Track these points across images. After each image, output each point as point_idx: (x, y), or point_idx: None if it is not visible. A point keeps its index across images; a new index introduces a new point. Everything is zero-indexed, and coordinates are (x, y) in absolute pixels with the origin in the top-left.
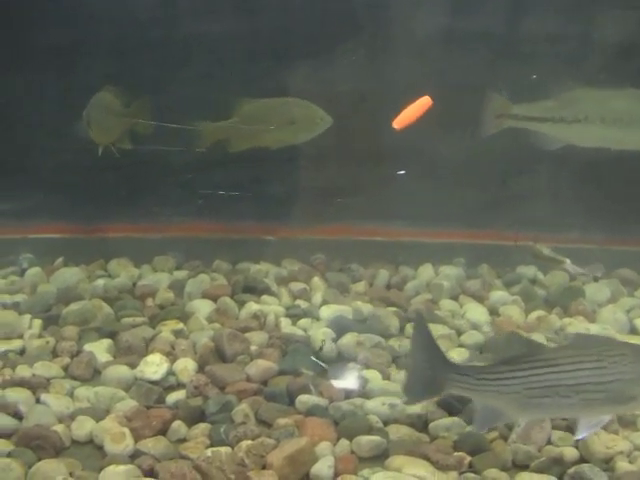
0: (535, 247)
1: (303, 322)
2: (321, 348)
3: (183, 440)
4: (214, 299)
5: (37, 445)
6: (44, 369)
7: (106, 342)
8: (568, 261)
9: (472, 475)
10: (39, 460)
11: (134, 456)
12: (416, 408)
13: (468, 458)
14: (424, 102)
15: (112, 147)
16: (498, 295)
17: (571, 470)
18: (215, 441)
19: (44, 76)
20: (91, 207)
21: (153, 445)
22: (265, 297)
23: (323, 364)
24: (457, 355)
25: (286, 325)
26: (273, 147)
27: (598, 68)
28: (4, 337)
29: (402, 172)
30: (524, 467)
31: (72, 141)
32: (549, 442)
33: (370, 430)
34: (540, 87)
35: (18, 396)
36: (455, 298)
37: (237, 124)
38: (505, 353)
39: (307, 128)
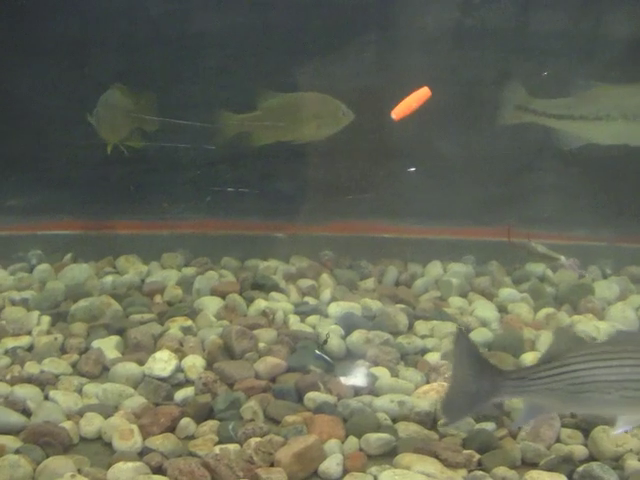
0: (529, 244)
1: (312, 319)
2: (325, 342)
3: (192, 437)
4: (223, 296)
5: (45, 442)
6: (52, 366)
7: (114, 339)
8: (563, 258)
9: (481, 473)
10: (47, 457)
11: (142, 453)
12: (424, 405)
13: (477, 456)
14: (423, 93)
15: (120, 145)
16: (507, 292)
17: (580, 468)
18: (223, 438)
19: (54, 72)
20: (100, 204)
21: (161, 442)
22: (274, 294)
23: (328, 358)
24: None
25: (294, 322)
26: (295, 142)
27: (610, 64)
28: (13, 333)
29: (412, 169)
30: (533, 465)
31: (82, 138)
32: (558, 440)
33: (379, 427)
34: (556, 84)
35: (26, 393)
36: (464, 295)
37: (260, 117)
38: (553, 349)
39: (330, 123)
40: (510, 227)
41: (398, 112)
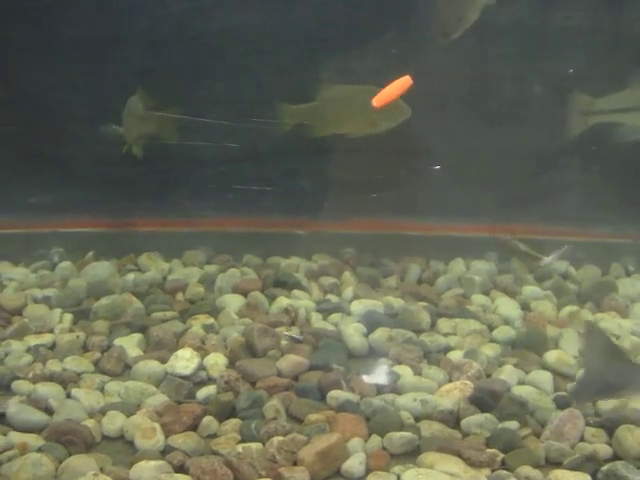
0: (512, 242)
1: (334, 317)
2: (293, 322)
3: (214, 436)
4: (244, 294)
5: (68, 440)
6: (74, 364)
7: (136, 337)
8: (545, 258)
9: (505, 472)
10: (70, 455)
11: (165, 452)
12: (447, 404)
13: (501, 455)
14: (404, 81)
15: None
16: (530, 290)
17: (605, 467)
18: (246, 437)
19: (76, 69)
20: (121, 201)
21: (184, 441)
22: (296, 292)
23: (296, 336)
24: (489, 351)
25: (317, 320)
26: (353, 135)
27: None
28: (35, 331)
29: (437, 167)
30: (557, 464)
31: (103, 135)
32: (582, 439)
33: (402, 426)
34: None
35: (49, 391)
36: (487, 293)
37: (318, 108)
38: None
39: (387, 117)
40: (495, 224)
41: (379, 100)
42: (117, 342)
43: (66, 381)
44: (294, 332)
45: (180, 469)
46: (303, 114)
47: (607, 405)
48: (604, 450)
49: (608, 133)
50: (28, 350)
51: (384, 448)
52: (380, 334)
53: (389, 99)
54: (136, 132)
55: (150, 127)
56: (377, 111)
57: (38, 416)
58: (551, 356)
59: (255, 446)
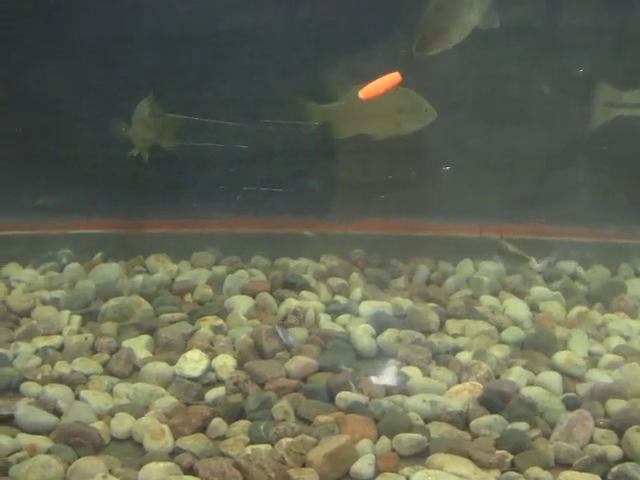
0: (501, 243)
1: (342, 318)
2: (285, 318)
3: (223, 437)
4: (253, 295)
5: (76, 442)
6: (83, 365)
7: (145, 338)
8: (533, 260)
9: (514, 474)
10: (78, 457)
11: (174, 453)
12: (457, 405)
13: (510, 456)
14: (393, 77)
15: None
16: (539, 291)
17: (614, 469)
18: (255, 438)
19: (84, 69)
20: (130, 203)
21: (193, 442)
22: (304, 293)
23: (289, 338)
24: (498, 352)
25: (325, 321)
26: (377, 136)
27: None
28: (43, 333)
29: (447, 168)
30: (567, 466)
31: (111, 136)
32: (592, 440)
33: (411, 428)
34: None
35: (57, 392)
36: (495, 294)
37: (343, 108)
38: None
39: (413, 119)
40: (482, 224)
41: (366, 92)
42: (125, 344)
43: (75, 383)
44: (294, 335)
45: (189, 471)
46: (330, 114)
47: (617, 406)
48: (614, 451)
49: (618, 132)
50: (36, 352)
51: (393, 449)
52: (389, 335)
53: (376, 92)
54: (141, 136)
55: (154, 131)
56: (402, 112)
57: (47, 418)
58: (560, 357)
59: (264, 448)
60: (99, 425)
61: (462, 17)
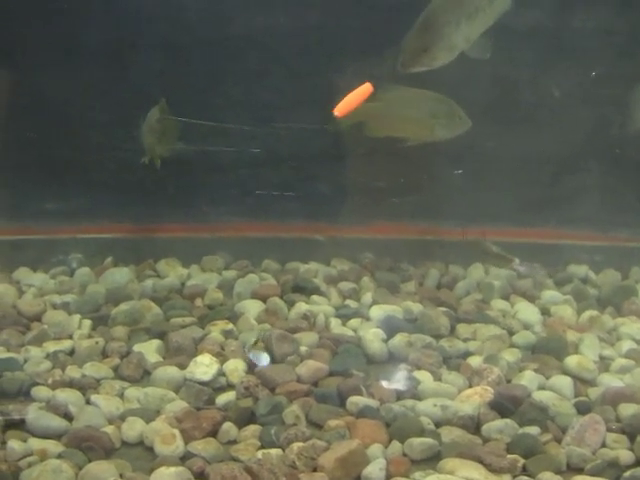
0: (484, 244)
1: (353, 322)
2: (256, 342)
3: (233, 442)
4: (263, 299)
5: (87, 446)
6: (94, 370)
7: (155, 342)
8: (517, 260)
9: (526, 478)
10: (89, 461)
11: (184, 458)
12: (468, 409)
13: (522, 461)
14: (365, 89)
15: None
16: (549, 295)
17: (627, 474)
18: (266, 443)
19: (96, 75)
20: (140, 207)
21: (203, 447)
22: (315, 297)
23: (260, 358)
24: (509, 356)
25: (336, 325)
26: (409, 140)
27: None
28: (54, 337)
29: (459, 172)
30: (579, 470)
31: (121, 141)
32: (604, 445)
33: (422, 432)
34: None
35: (68, 397)
36: (506, 298)
37: (379, 109)
38: None
39: (446, 125)
40: (465, 226)
41: (340, 109)
42: (136, 348)
43: (85, 387)
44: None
45: (200, 475)
46: (364, 112)
47: (628, 411)
48: (626, 456)
49: (630, 135)
50: (47, 356)
51: (404, 454)
52: (399, 339)
53: (350, 107)
54: (149, 143)
55: (161, 137)
56: (436, 118)
57: (57, 422)
58: (571, 361)
59: (275, 452)
60: (110, 429)
61: (448, 37)
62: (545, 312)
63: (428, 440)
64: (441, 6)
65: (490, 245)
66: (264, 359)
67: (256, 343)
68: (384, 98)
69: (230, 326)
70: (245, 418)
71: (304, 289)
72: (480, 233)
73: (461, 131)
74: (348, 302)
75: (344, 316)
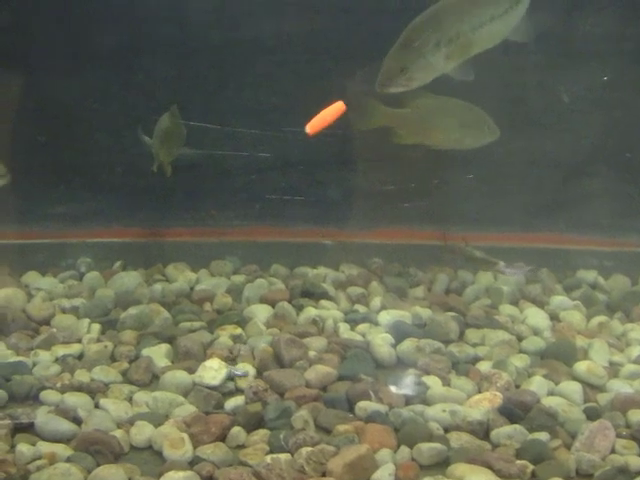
0: (466, 249)
1: (362, 327)
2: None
3: (242, 446)
4: (272, 304)
5: (96, 450)
6: (102, 374)
7: (164, 347)
8: (501, 263)
9: None
10: (98, 465)
11: (193, 462)
12: (477, 415)
13: (531, 467)
14: (337, 107)
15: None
16: (559, 300)
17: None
18: (274, 447)
19: (105, 79)
20: (149, 211)
21: (212, 451)
22: (323, 302)
23: (240, 373)
24: (518, 361)
25: (345, 330)
26: (437, 148)
27: None
28: (63, 341)
29: (470, 176)
30: (588, 476)
31: (131, 145)
32: (613, 451)
33: (431, 437)
34: None
35: (77, 401)
36: (515, 303)
37: (408, 115)
38: None
39: (474, 135)
40: (445, 231)
41: (313, 126)
42: (145, 352)
43: (94, 391)
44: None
45: None
46: (392, 118)
47: (638, 416)
48: (635, 462)
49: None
50: (56, 360)
51: (413, 459)
52: (408, 344)
53: (322, 125)
54: (159, 151)
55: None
56: (465, 127)
57: (66, 426)
58: (581, 367)
59: (284, 457)
60: (119, 433)
61: (425, 57)
62: (554, 317)
63: (437, 445)
64: (421, 26)
65: (472, 250)
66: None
67: None
68: (413, 105)
69: (239, 331)
70: (254, 423)
71: (313, 294)
72: (461, 238)
73: (490, 140)
74: (357, 307)
75: (353, 321)
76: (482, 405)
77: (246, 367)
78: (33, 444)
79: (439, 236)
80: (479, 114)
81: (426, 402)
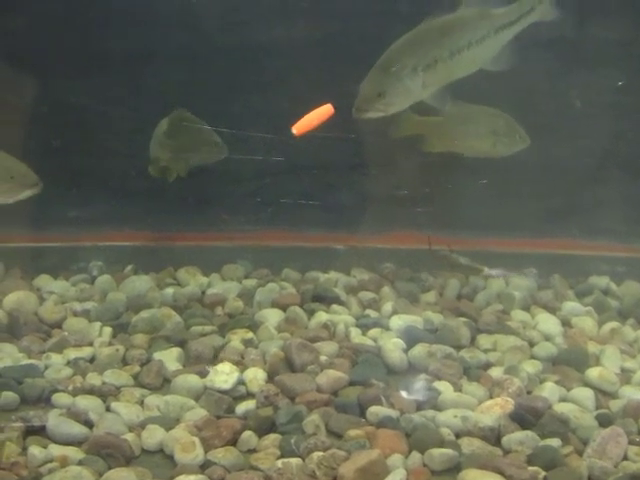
0: (451, 256)
1: (373, 332)
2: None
3: (253, 451)
4: (284, 308)
5: (107, 453)
6: (114, 377)
7: (175, 351)
8: (486, 269)
9: None
10: (110, 468)
11: (204, 466)
12: (488, 420)
13: (543, 473)
14: (325, 110)
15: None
16: (570, 306)
17: None
18: (286, 452)
19: (116, 83)
20: (160, 215)
21: (223, 455)
22: (335, 306)
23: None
24: (530, 367)
25: (356, 335)
26: (467, 155)
27: None
28: (74, 344)
29: (484, 181)
30: None
31: (143, 149)
32: (625, 457)
33: (442, 443)
34: None
35: (88, 404)
36: (527, 309)
37: (440, 124)
38: None
39: (505, 143)
40: (430, 237)
41: (299, 127)
42: (156, 356)
43: (106, 394)
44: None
45: None
46: (424, 127)
47: None
48: None
49: None
50: (68, 363)
51: (425, 465)
52: (420, 350)
53: (309, 127)
54: (155, 156)
55: (167, 152)
56: (496, 135)
57: (78, 429)
58: (593, 373)
59: (295, 461)
60: (130, 437)
61: (402, 82)
62: (566, 323)
63: (448, 451)
64: (399, 50)
65: (457, 257)
66: None
67: None
68: (446, 114)
69: (250, 335)
70: (265, 427)
71: (324, 298)
72: (445, 243)
73: (520, 148)
74: (368, 312)
75: (364, 326)
76: (493, 411)
77: (257, 371)
78: (45, 447)
79: (426, 241)
80: (510, 122)
81: (437, 407)
